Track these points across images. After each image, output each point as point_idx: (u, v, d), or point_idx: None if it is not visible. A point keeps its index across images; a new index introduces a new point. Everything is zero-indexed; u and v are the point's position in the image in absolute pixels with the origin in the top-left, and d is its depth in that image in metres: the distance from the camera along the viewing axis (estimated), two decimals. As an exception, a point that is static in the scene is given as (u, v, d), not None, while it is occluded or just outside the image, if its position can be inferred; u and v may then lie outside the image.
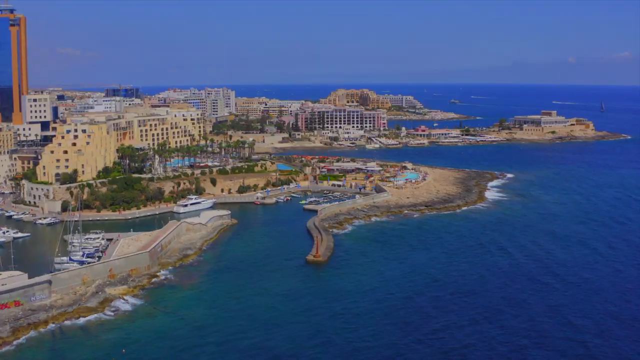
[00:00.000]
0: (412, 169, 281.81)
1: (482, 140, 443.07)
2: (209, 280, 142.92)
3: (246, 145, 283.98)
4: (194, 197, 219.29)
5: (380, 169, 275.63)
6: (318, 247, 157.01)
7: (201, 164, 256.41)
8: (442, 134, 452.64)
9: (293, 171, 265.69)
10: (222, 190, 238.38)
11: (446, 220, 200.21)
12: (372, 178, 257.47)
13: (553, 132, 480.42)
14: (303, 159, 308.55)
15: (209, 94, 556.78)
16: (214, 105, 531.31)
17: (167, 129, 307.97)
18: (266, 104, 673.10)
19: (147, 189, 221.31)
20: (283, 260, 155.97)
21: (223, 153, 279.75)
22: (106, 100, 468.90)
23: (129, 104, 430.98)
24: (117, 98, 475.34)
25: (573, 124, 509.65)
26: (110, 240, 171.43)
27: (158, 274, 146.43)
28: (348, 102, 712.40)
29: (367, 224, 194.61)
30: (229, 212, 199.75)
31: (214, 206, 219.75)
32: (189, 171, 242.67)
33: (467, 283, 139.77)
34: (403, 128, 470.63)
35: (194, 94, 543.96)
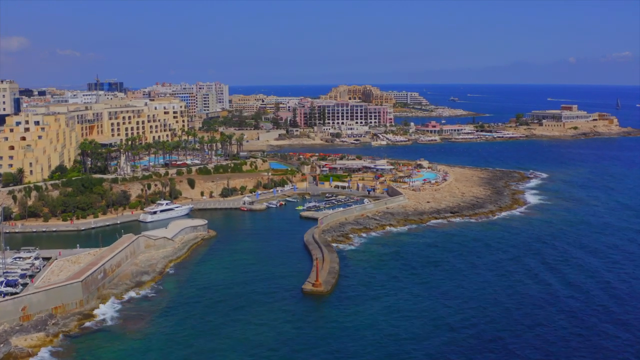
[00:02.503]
0: (428, 168, 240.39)
1: (499, 137, 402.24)
2: (166, 322, 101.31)
3: (233, 141, 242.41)
4: (164, 202, 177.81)
5: (392, 167, 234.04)
6: (318, 272, 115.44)
7: (178, 162, 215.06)
8: (455, 130, 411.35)
9: (289, 170, 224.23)
10: (202, 194, 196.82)
11: (480, 230, 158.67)
12: (382, 178, 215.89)
13: (575, 128, 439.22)
14: (301, 156, 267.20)
15: (200, 88, 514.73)
16: (205, 100, 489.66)
17: (143, 122, 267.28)
18: (263, 101, 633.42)
19: (109, 193, 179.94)
20: (272, 291, 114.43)
21: (207, 150, 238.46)
22: (86, 95, 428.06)
23: (111, 98, 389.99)
24: (99, 92, 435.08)
25: (595, 119, 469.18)
26: (48, 259, 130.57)
27: (95, 312, 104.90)
28: (350, 98, 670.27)
29: (381, 236, 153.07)
30: (206, 221, 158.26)
31: (191, 213, 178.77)
32: (162, 171, 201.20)
33: (531, 326, 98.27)
34: (412, 124, 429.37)
35: (184, 88, 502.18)
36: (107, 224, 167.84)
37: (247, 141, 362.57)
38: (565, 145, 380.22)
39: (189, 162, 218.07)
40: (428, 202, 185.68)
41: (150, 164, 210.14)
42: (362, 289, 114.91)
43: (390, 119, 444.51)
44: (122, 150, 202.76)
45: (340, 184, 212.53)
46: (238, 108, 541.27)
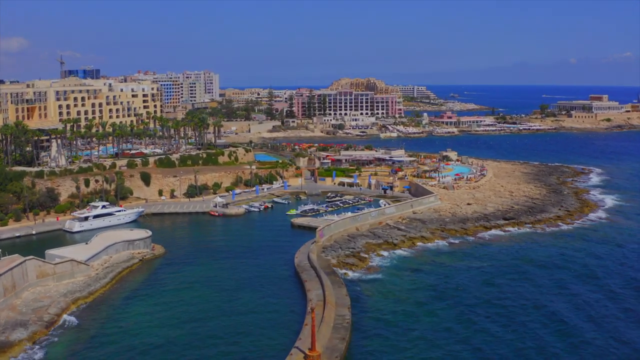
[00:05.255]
0: (457, 161, 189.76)
1: (525, 129, 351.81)
2: None
3: (209, 129, 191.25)
4: (100, 204, 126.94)
5: (413, 159, 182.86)
6: (315, 332, 64.34)
7: (132, 151, 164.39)
8: (474, 122, 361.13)
9: (279, 163, 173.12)
10: (161, 193, 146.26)
11: (557, 247, 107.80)
12: (401, 173, 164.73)
13: (608, 120, 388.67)
14: (296, 147, 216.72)
15: (187, 77, 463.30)
16: (191, 90, 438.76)
17: (100, 104, 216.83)
18: (259, 94, 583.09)
19: (27, 191, 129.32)
20: (230, 365, 63.87)
21: (176, 138, 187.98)
22: (56, 82, 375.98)
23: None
24: (70, 79, 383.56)
25: (629, 111, 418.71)
26: None
27: None
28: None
29: (412, 255, 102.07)
30: (149, 233, 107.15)
31: (140, 220, 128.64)
32: (108, 162, 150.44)
33: None
34: (425, 114, 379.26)
35: (170, 77, 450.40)
36: (18, 234, 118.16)
37: (236, 134, 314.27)
38: (602, 137, 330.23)
39: (147, 151, 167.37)
40: (468, 204, 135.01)
41: (94, 155, 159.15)
42: (395, 361, 64.14)
43: (400, 109, 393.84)
44: (53, 135, 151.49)
45: (346, 180, 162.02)
46: (230, 100, 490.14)
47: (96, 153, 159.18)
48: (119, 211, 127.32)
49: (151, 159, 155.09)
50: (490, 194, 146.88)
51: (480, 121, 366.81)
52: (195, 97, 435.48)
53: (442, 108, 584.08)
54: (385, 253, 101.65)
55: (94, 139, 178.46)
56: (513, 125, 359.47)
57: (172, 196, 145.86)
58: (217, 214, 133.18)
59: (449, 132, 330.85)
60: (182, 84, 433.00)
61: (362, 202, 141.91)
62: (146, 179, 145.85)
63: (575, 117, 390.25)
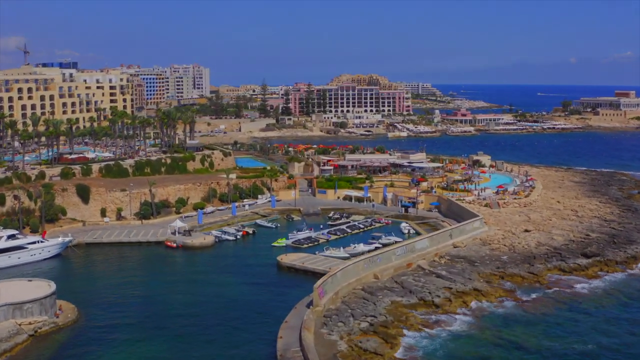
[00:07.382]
0: (491, 167, 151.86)
1: (549, 128, 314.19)
2: None
3: (178, 130, 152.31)
4: (5, 233, 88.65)
5: (438, 165, 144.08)
6: None
7: (72, 156, 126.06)
8: (492, 120, 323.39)
9: (266, 170, 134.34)
10: (104, 212, 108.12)
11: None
12: (426, 184, 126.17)
13: (638, 119, 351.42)
14: (290, 148, 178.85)
15: (174, 71, 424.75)
16: (178, 85, 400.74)
17: (52, 97, 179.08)
18: (254, 91, 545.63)
19: None
20: None
21: (142, 138, 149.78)
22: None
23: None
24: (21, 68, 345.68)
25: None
26: None
27: None
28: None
29: (465, 327, 63.97)
30: (52, 289, 68.57)
31: (66, 254, 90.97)
32: (35, 171, 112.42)
33: None
34: (437, 111, 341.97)
35: (154, 71, 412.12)
36: None
37: (225, 132, 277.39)
38: (636, 138, 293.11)
39: (93, 155, 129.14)
40: (526, 230, 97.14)
41: (18, 160, 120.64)
42: None
43: (408, 106, 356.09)
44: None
45: (353, 193, 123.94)
46: (221, 96, 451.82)
47: (21, 158, 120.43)
48: (34, 242, 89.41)
49: (95, 166, 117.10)
50: (549, 213, 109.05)
51: (498, 119, 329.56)
52: (182, 92, 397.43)
53: (450, 106, 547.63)
54: (422, 324, 63.60)
55: (42, 139, 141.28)
56: (535, 124, 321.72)
57: (120, 217, 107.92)
58: (174, 246, 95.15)
59: (465, 131, 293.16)
60: (168, 78, 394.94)
61: (378, 225, 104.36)
62: (84, 194, 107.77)
63: (603, 115, 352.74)
